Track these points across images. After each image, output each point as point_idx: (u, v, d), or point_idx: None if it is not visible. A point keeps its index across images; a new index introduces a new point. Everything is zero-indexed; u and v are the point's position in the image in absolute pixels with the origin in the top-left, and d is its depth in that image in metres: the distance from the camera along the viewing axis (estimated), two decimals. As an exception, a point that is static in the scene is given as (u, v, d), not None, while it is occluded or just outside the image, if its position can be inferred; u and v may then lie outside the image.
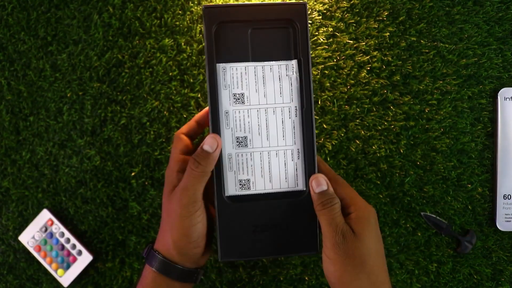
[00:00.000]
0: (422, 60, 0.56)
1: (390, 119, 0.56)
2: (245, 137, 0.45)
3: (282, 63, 0.45)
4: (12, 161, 0.58)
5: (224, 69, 0.44)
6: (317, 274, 0.56)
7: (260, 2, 0.47)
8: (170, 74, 0.56)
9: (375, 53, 0.56)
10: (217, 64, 0.44)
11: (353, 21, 0.56)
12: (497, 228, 0.56)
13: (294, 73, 0.45)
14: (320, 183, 0.42)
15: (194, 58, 0.56)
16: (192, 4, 0.56)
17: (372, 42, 0.56)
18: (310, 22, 0.56)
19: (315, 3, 0.56)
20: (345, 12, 0.56)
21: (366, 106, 0.56)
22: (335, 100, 0.56)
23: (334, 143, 0.56)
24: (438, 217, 0.56)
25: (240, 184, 0.45)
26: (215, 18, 0.43)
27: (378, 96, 0.56)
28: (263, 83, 0.45)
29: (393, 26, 0.56)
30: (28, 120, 0.57)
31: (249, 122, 0.45)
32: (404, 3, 0.56)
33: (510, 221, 0.56)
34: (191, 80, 0.56)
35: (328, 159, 0.56)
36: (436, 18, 0.56)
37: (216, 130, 0.44)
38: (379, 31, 0.56)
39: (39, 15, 0.57)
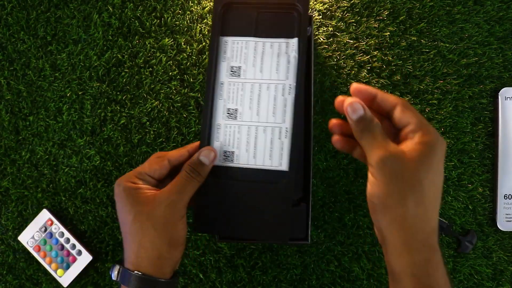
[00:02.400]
0: (422, 60, 0.56)
1: (390, 119, 0.56)
2: (236, 110, 0.45)
3: (283, 40, 0.45)
4: (12, 161, 0.57)
5: (226, 42, 0.45)
6: (317, 274, 0.56)
7: None
8: (170, 73, 0.56)
9: (375, 52, 0.56)
10: (220, 37, 0.45)
11: (353, 20, 0.56)
12: (497, 228, 0.55)
13: (294, 51, 0.45)
14: (355, 109, 0.37)
15: (194, 57, 0.56)
16: (192, 4, 0.56)
17: (372, 41, 0.56)
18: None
19: (315, 2, 0.56)
20: (345, 11, 0.56)
21: (367, 105, 0.56)
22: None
23: (334, 143, 0.56)
24: (438, 217, 0.56)
25: (224, 156, 0.45)
26: None
27: (379, 96, 0.56)
28: (261, 58, 0.45)
29: (393, 26, 0.56)
30: (28, 119, 0.57)
31: (241, 95, 0.45)
32: (404, 2, 0.56)
33: (510, 221, 0.55)
34: (191, 80, 0.56)
35: (329, 159, 0.56)
36: (436, 18, 0.56)
37: (210, 99, 0.45)
38: (380, 31, 0.56)
39: (38, 14, 0.57)
